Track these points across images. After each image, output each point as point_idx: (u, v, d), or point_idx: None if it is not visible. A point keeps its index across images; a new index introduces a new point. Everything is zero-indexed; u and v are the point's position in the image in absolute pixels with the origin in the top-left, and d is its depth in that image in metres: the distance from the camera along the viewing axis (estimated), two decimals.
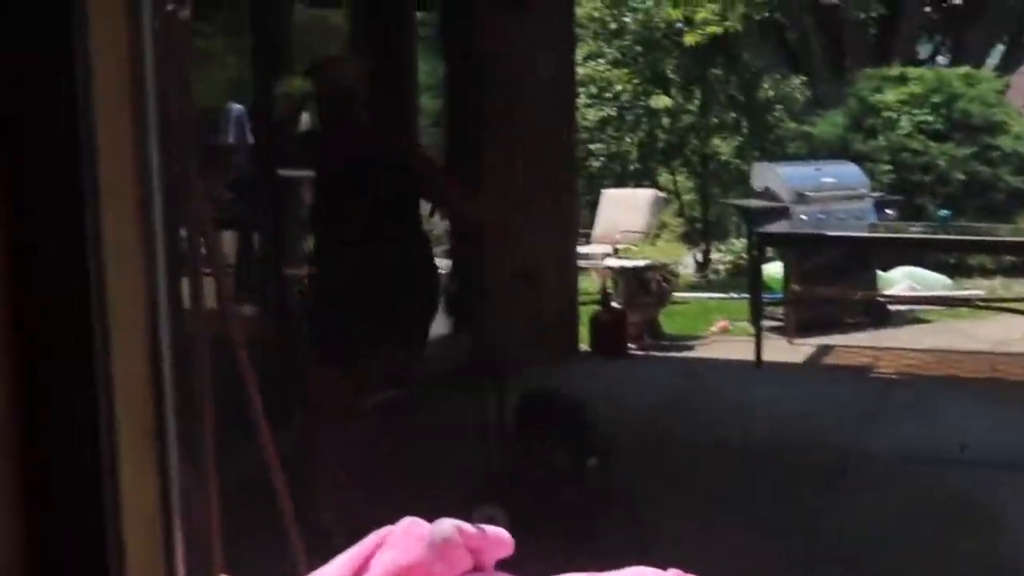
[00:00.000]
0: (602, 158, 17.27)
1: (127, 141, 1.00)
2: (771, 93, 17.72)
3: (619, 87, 16.64)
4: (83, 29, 0.96)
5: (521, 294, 8.77)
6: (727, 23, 16.40)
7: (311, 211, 6.12)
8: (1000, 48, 25.51)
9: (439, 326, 7.77)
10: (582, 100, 16.45)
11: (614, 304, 10.14)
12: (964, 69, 18.58)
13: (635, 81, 16.86)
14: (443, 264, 8.52)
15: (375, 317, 5.50)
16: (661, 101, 16.66)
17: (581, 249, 11.69)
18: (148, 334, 1.01)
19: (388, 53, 7.26)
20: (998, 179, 16.73)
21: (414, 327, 5.73)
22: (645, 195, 14.64)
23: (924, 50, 25.93)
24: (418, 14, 7.97)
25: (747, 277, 12.45)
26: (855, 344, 10.70)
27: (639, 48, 16.73)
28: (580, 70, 16.07)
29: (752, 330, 9.80)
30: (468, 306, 6.03)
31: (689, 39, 16.33)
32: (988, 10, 23.31)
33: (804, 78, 18.89)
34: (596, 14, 17.06)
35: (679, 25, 16.42)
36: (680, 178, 18.37)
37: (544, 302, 9.15)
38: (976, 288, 14.48)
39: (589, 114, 16.75)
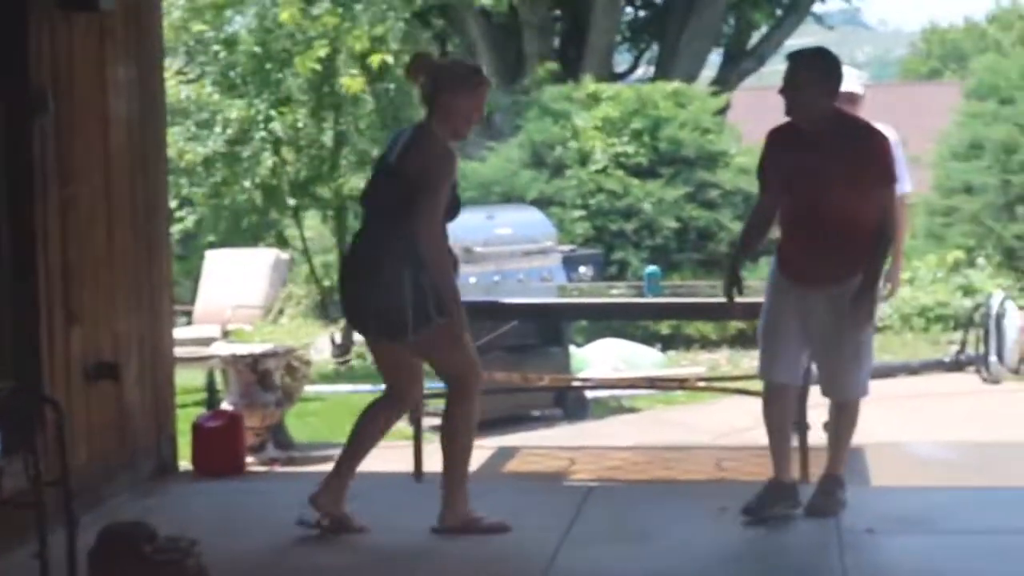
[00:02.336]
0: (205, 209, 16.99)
1: None
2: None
3: (234, 114, 16.49)
4: None
5: (99, 397, 8.61)
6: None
7: None
8: (716, 57, 26.32)
9: None
10: (186, 132, 16.30)
11: (225, 405, 10.06)
12: (673, 85, 19.13)
13: (257, 108, 16.79)
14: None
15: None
16: (284, 121, 16.62)
17: (179, 333, 11.55)
18: None
19: None
20: (719, 225, 17.29)
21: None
22: (264, 257, 14.63)
23: (623, 61, 26.74)
24: None
25: None
26: (544, 444, 10.87)
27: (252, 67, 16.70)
28: (182, 94, 15.98)
29: (411, 432, 9.84)
30: (26, 419, 5.86)
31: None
32: (700, 11, 23.96)
33: None
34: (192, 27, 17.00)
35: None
36: (310, 233, 18.34)
37: (130, 407, 9.01)
38: (696, 364, 14.99)
39: (191, 150, 16.52)
